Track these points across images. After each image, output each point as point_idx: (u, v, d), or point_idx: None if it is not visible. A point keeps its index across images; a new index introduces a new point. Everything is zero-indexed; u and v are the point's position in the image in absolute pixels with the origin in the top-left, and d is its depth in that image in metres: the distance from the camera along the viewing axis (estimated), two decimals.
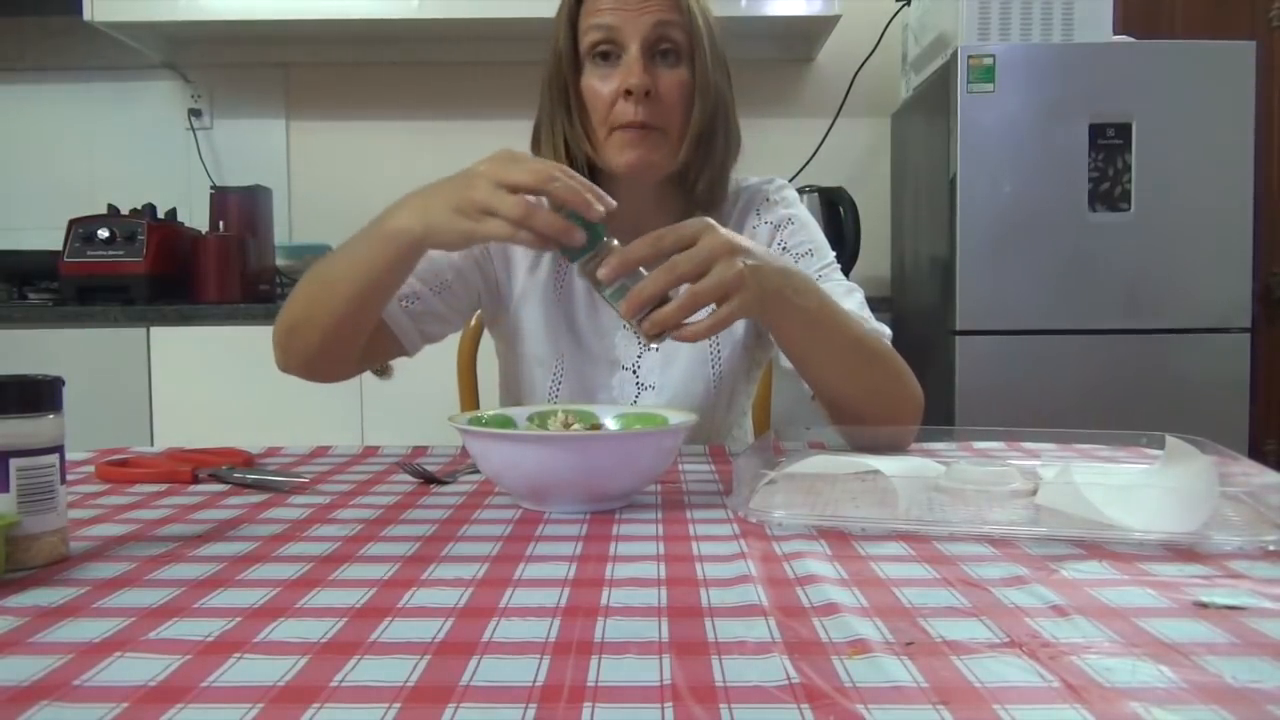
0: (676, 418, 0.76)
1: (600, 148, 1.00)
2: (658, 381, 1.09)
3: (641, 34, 0.96)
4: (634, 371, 1.09)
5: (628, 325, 0.79)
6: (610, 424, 0.80)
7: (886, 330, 1.01)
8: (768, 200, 1.12)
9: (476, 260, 1.07)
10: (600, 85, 0.98)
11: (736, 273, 0.75)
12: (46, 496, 0.55)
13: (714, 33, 1.02)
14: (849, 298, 1.03)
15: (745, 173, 1.19)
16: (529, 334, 1.09)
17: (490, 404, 1.30)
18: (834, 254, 1.10)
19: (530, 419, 0.80)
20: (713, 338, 1.04)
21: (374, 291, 0.88)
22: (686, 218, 1.03)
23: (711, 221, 0.78)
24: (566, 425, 0.79)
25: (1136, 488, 0.64)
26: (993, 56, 1.97)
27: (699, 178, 1.03)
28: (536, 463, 0.67)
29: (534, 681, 0.37)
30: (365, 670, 0.39)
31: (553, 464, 0.67)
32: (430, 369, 1.37)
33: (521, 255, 1.09)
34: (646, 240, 0.75)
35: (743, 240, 0.79)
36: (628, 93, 0.96)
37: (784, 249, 1.08)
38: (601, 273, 0.74)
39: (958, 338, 1.99)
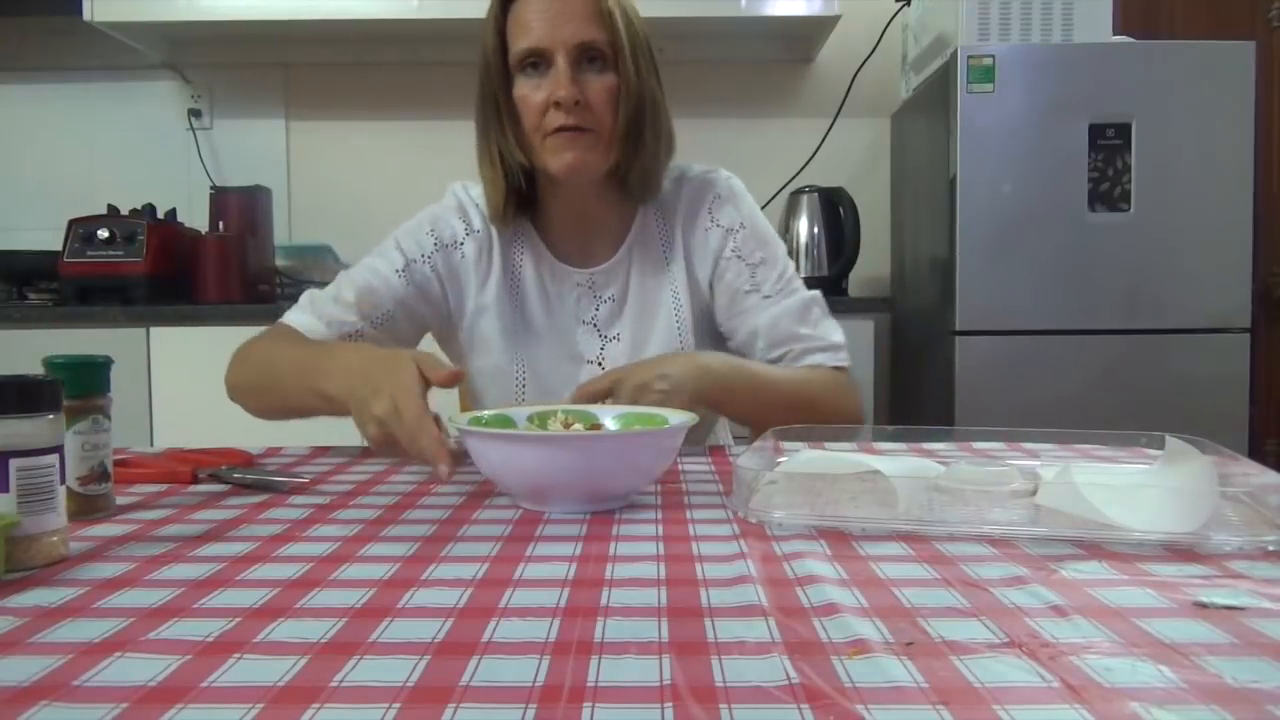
0: (676, 418, 0.76)
1: (536, 153, 1.03)
2: None
3: (567, 46, 0.99)
4: (599, 365, 1.10)
5: None
6: (610, 424, 0.80)
7: (837, 347, 1.10)
8: (719, 197, 1.14)
9: (420, 288, 1.09)
10: (531, 95, 1.01)
11: (657, 402, 0.88)
12: (46, 497, 0.55)
13: (639, 36, 1.04)
14: (805, 313, 1.10)
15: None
16: (486, 346, 1.10)
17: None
18: (785, 254, 1.15)
19: (531, 419, 0.80)
20: (678, 328, 1.11)
21: (312, 412, 0.91)
22: (624, 210, 1.14)
23: (617, 372, 0.94)
24: (566, 425, 0.79)
25: (1136, 488, 0.64)
26: (992, 57, 1.97)
27: (629, 172, 1.07)
28: (536, 463, 0.68)
29: (534, 681, 0.37)
30: (365, 670, 0.39)
31: (553, 464, 0.67)
32: None
33: (471, 275, 1.11)
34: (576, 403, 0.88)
35: (649, 368, 0.94)
36: (557, 103, 0.99)
37: (739, 257, 1.11)
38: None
39: (958, 338, 1.99)
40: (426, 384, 0.73)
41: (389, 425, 0.72)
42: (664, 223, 1.14)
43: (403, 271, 1.08)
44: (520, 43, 1.01)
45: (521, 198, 1.08)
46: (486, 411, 0.81)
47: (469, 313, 1.11)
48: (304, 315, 1.05)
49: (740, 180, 1.17)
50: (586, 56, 1.01)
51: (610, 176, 1.07)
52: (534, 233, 1.12)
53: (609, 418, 0.81)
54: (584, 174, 1.03)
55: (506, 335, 1.10)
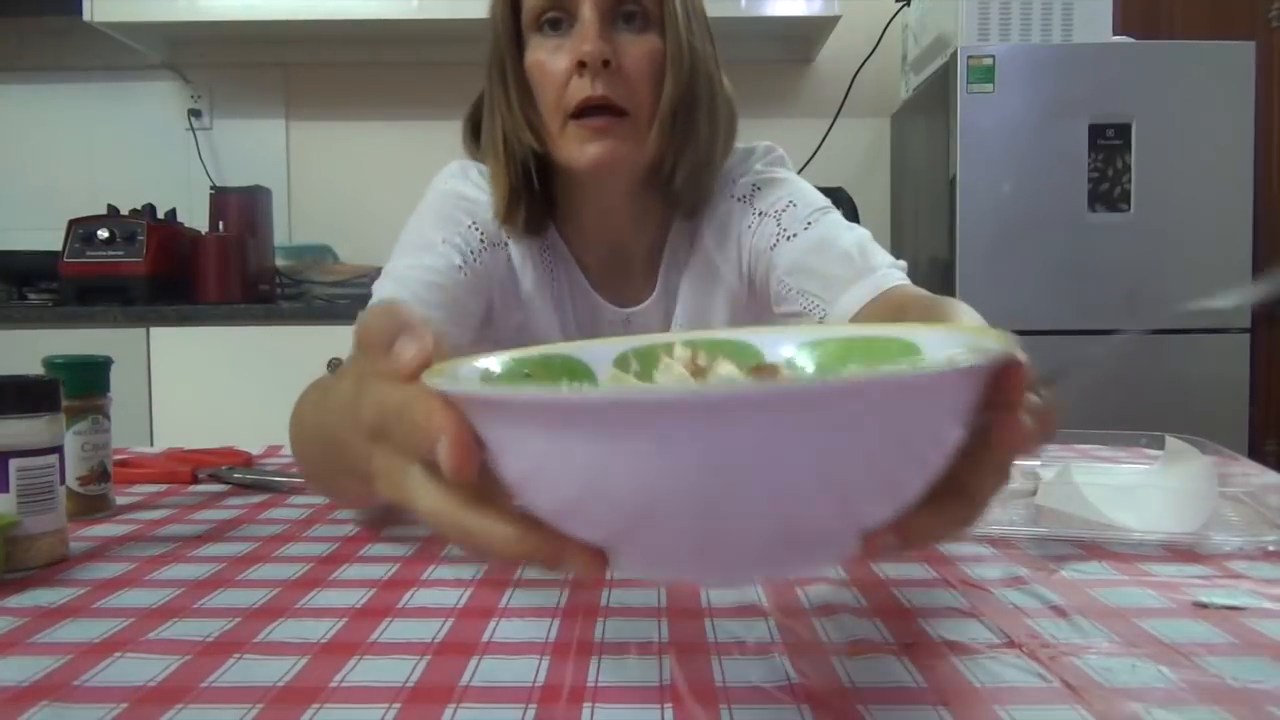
0: (931, 338, 0.39)
1: (555, 141, 0.81)
2: None
3: None
4: None
5: None
6: (793, 360, 0.42)
7: (894, 272, 0.79)
8: (733, 181, 0.90)
9: (477, 279, 0.85)
10: (549, 60, 0.79)
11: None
12: (46, 497, 0.55)
13: None
14: (848, 235, 0.83)
15: None
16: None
17: None
18: (822, 197, 0.89)
19: (620, 361, 0.42)
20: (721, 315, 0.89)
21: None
22: (667, 221, 0.88)
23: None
24: (699, 370, 0.41)
25: (1136, 488, 0.64)
26: (992, 57, 1.97)
27: (676, 169, 0.83)
28: (695, 462, 0.26)
29: (534, 682, 0.37)
30: (365, 670, 0.39)
31: (732, 461, 0.26)
32: None
33: (517, 282, 0.89)
34: None
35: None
36: (581, 65, 0.77)
37: (760, 215, 0.87)
38: None
39: None
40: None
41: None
42: (691, 234, 0.90)
43: (463, 266, 0.83)
44: None
45: (535, 198, 0.85)
46: (507, 355, 0.39)
47: (515, 325, 0.88)
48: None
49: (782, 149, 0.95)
50: (622, 11, 0.79)
51: (650, 175, 0.84)
52: (563, 246, 0.89)
53: (783, 346, 0.43)
54: (616, 173, 0.81)
55: (547, 337, 0.88)
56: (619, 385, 0.37)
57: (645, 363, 0.42)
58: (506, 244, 0.87)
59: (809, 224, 0.84)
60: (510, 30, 0.82)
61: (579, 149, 0.79)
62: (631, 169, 0.82)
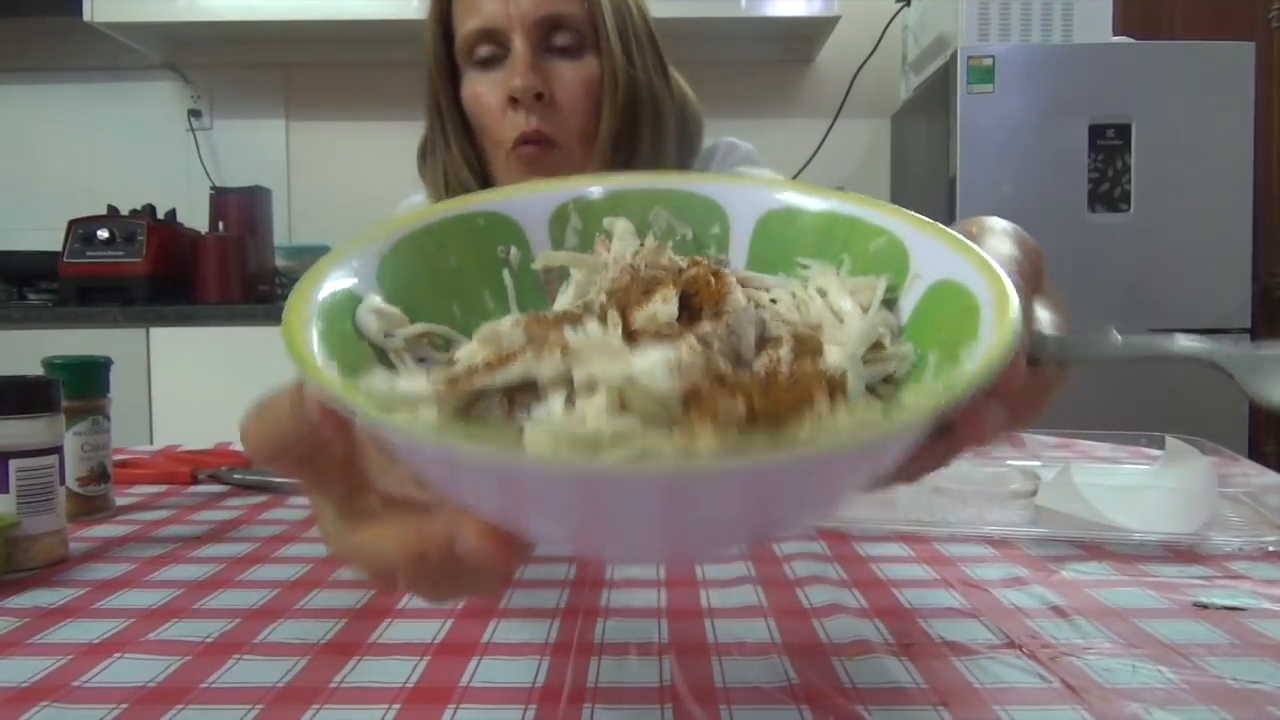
0: (921, 241, 0.34)
1: (498, 172, 0.80)
2: None
3: (526, 23, 0.76)
4: None
5: None
6: (738, 257, 0.36)
7: None
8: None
9: None
10: (485, 94, 0.79)
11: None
12: (46, 497, 0.55)
13: (632, 11, 0.81)
14: None
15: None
16: None
17: None
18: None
19: (558, 218, 0.36)
20: None
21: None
22: None
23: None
24: (636, 280, 0.31)
25: (1136, 488, 0.64)
26: (992, 57, 1.97)
27: None
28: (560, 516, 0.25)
29: (534, 682, 0.37)
30: (365, 671, 0.39)
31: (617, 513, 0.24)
32: None
33: None
34: None
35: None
36: (514, 100, 0.76)
37: None
38: None
39: None
40: None
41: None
42: None
43: None
44: (468, 24, 0.79)
45: None
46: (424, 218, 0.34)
47: None
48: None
49: (750, 145, 0.95)
50: (554, 39, 0.78)
51: None
52: None
53: (751, 212, 0.36)
54: None
55: None
56: (523, 454, 0.22)
57: (586, 233, 0.36)
58: None
59: None
60: (444, 65, 0.82)
61: (516, 181, 0.76)
62: None
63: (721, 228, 0.36)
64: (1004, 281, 0.28)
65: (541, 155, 0.77)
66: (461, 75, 0.81)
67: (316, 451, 0.29)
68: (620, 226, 0.35)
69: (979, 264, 0.30)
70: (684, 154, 0.85)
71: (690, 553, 0.33)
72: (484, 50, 0.79)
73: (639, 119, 0.80)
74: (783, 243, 0.36)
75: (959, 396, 0.23)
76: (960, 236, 0.33)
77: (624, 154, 0.80)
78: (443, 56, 0.83)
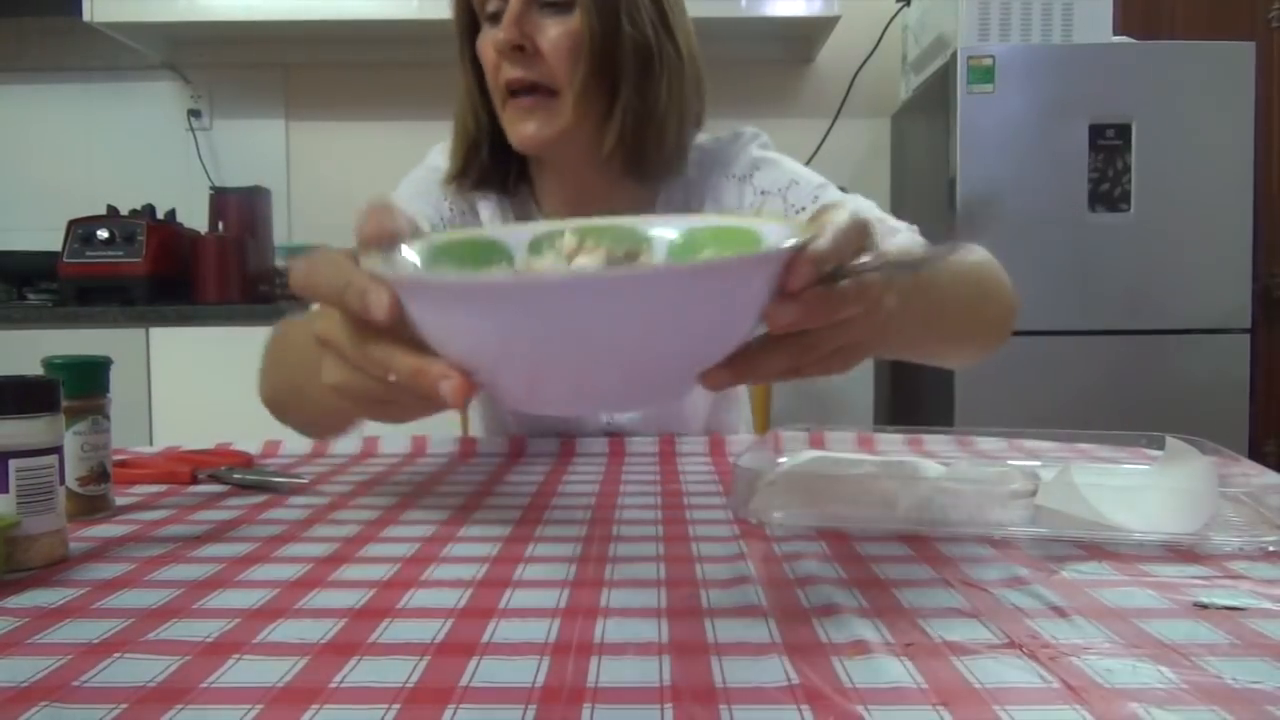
0: (774, 230, 0.47)
1: (502, 120, 0.89)
2: None
3: None
4: None
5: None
6: (659, 247, 0.51)
7: (912, 233, 0.88)
8: (729, 159, 0.98)
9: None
10: (486, 46, 0.87)
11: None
12: (46, 497, 0.55)
13: None
14: (856, 202, 0.90)
15: None
16: None
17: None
18: (819, 176, 0.97)
19: (534, 244, 0.52)
20: None
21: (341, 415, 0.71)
22: (640, 190, 0.94)
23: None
24: (571, 255, 0.50)
25: (1136, 488, 0.64)
26: (992, 57, 1.97)
27: (613, 141, 0.88)
28: (500, 330, 0.39)
29: (534, 682, 0.37)
30: (365, 671, 0.39)
31: (529, 332, 0.38)
32: None
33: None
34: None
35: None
36: (501, 52, 0.85)
37: (762, 194, 0.94)
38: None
39: None
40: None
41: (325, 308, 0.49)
42: (683, 208, 0.96)
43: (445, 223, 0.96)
44: None
45: (486, 167, 0.94)
46: (444, 236, 0.55)
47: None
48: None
49: (767, 136, 1.02)
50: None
51: (606, 147, 0.91)
52: (533, 205, 0.99)
53: (663, 230, 0.52)
54: (548, 148, 0.88)
55: None
56: (469, 274, 0.47)
57: (548, 245, 0.52)
58: (476, 209, 0.98)
59: (816, 198, 0.92)
60: (465, 21, 0.90)
61: (515, 129, 0.87)
62: (571, 142, 0.88)
63: (647, 247, 0.51)
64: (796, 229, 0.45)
65: (531, 105, 0.86)
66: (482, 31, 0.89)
67: (339, 293, 0.45)
68: (568, 239, 0.51)
69: (793, 228, 0.46)
70: (680, 105, 0.91)
71: (598, 394, 0.45)
72: (491, 5, 0.86)
73: (622, 68, 0.86)
74: (687, 252, 0.51)
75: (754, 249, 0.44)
76: (789, 220, 0.52)
77: (605, 102, 0.87)
78: (465, 13, 0.90)
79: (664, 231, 0.51)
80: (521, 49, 0.83)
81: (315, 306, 0.53)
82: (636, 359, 0.40)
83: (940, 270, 0.69)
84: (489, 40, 0.86)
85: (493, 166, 0.94)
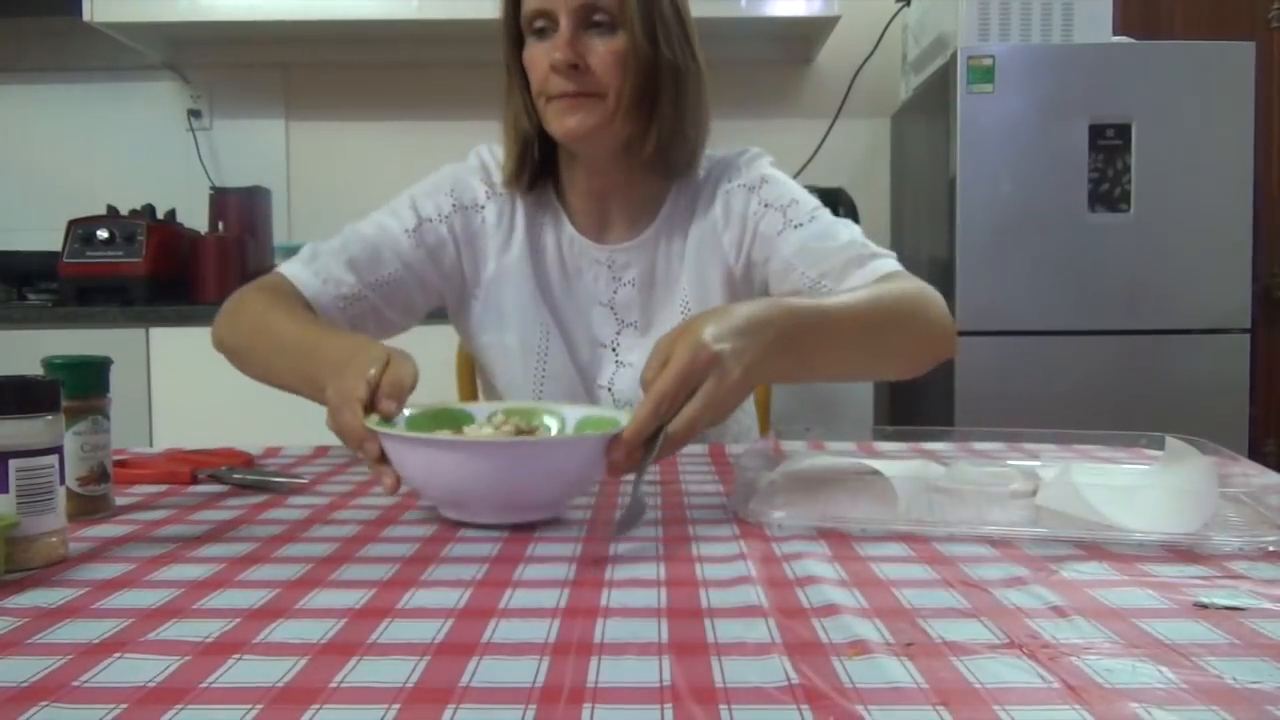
0: (615, 424, 0.67)
1: (544, 117, 1.00)
2: (636, 360, 1.06)
3: (570, 6, 0.95)
4: (613, 349, 1.08)
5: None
6: (552, 426, 0.76)
7: (889, 260, 0.99)
8: (739, 170, 1.09)
9: (431, 251, 1.05)
10: (538, 58, 0.98)
11: (708, 365, 0.67)
12: (46, 497, 0.55)
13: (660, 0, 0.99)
14: (846, 230, 1.03)
15: None
16: (503, 319, 1.07)
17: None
18: (815, 198, 1.08)
19: (491, 418, 0.76)
20: (686, 311, 1.05)
21: (293, 392, 0.87)
22: (654, 188, 1.08)
23: (689, 334, 0.69)
24: (497, 428, 0.73)
25: (1136, 488, 0.64)
26: (992, 57, 1.97)
27: (645, 143, 1.01)
28: (441, 468, 0.64)
29: (534, 682, 0.37)
30: (365, 671, 0.39)
31: (457, 470, 0.63)
32: (427, 364, 1.36)
33: (491, 240, 1.07)
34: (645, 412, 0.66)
35: (697, 326, 0.69)
36: (555, 68, 0.96)
37: (766, 206, 1.05)
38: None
39: (958, 338, 2.00)
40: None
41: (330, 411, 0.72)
42: (691, 206, 1.08)
43: (413, 232, 1.05)
44: (528, 3, 0.98)
45: (537, 165, 1.05)
46: (432, 407, 0.76)
47: (485, 281, 1.07)
48: (302, 270, 1.02)
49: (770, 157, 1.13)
50: (592, 19, 0.96)
51: (630, 149, 1.02)
52: (556, 201, 1.09)
53: (566, 415, 0.76)
54: (587, 141, 0.99)
55: (525, 308, 1.06)
56: (417, 435, 0.68)
57: (490, 418, 0.76)
58: (482, 208, 1.07)
59: (812, 218, 1.04)
60: (512, 31, 1.02)
61: (559, 121, 0.98)
62: (605, 139, 0.99)
63: (560, 422, 0.76)
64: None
65: (577, 103, 0.97)
66: (525, 41, 1.00)
67: (355, 436, 0.68)
68: (499, 416, 0.76)
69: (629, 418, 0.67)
70: (696, 116, 1.04)
71: (492, 511, 0.66)
72: (539, 23, 0.98)
73: (659, 84, 0.99)
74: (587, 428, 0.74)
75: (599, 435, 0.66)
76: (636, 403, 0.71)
77: (647, 109, 1.00)
78: (512, 24, 1.01)
79: (552, 421, 0.76)
80: (575, 66, 0.95)
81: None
82: (509, 493, 0.64)
83: (825, 317, 0.83)
84: (539, 52, 0.98)
85: (541, 163, 1.05)
